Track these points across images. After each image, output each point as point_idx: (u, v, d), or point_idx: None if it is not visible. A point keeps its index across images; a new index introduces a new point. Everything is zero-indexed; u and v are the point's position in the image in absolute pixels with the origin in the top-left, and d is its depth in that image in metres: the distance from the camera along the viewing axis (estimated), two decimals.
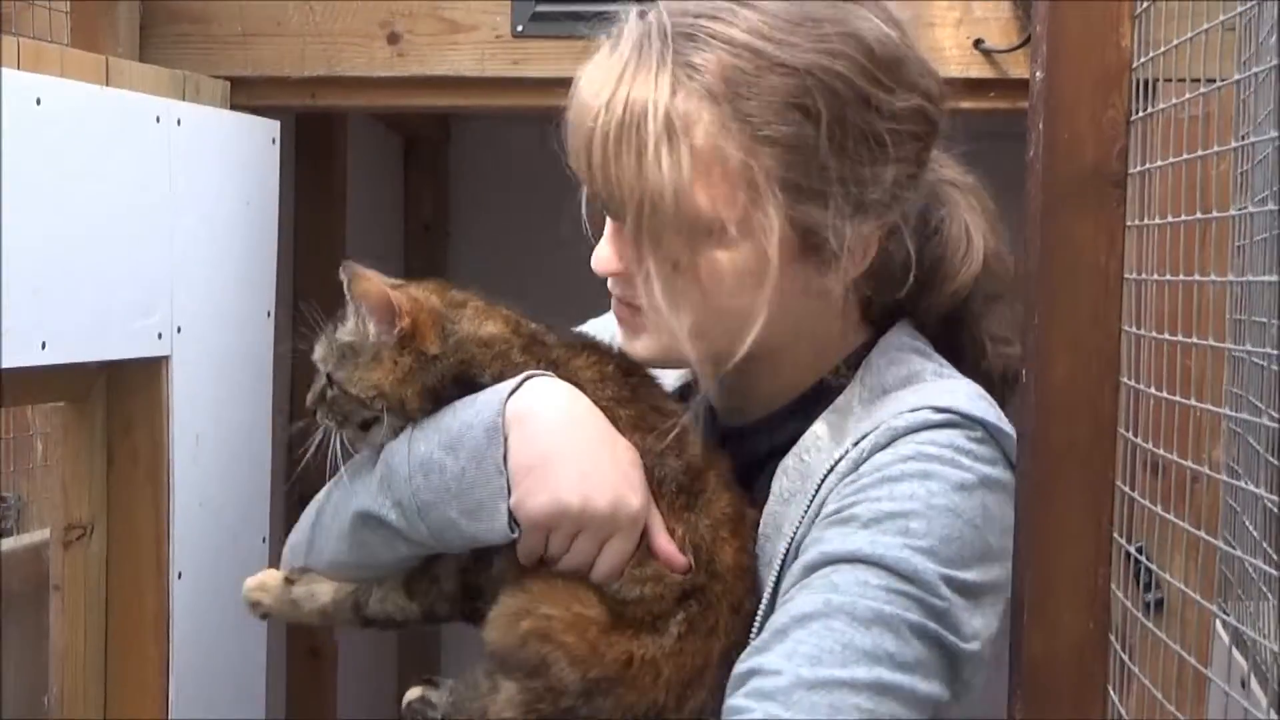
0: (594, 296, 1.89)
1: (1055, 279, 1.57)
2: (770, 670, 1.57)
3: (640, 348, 1.83)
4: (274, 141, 2.70)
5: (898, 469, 1.70)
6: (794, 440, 1.81)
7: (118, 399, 2.36)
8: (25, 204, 1.99)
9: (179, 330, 2.35)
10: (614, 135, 1.67)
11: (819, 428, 1.81)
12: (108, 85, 2.24)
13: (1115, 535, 1.57)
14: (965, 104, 2.46)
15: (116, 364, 2.31)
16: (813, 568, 1.66)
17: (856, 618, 1.60)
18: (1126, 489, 1.58)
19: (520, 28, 2.55)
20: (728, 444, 1.87)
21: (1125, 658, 1.55)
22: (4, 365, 1.98)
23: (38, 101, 2.05)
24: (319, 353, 1.85)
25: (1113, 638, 1.59)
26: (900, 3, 2.44)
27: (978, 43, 2.44)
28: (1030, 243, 1.61)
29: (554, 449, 1.71)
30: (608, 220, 1.79)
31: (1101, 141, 1.57)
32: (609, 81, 1.69)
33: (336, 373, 1.80)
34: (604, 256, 1.80)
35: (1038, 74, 1.61)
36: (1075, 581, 1.55)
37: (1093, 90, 1.57)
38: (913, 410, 1.74)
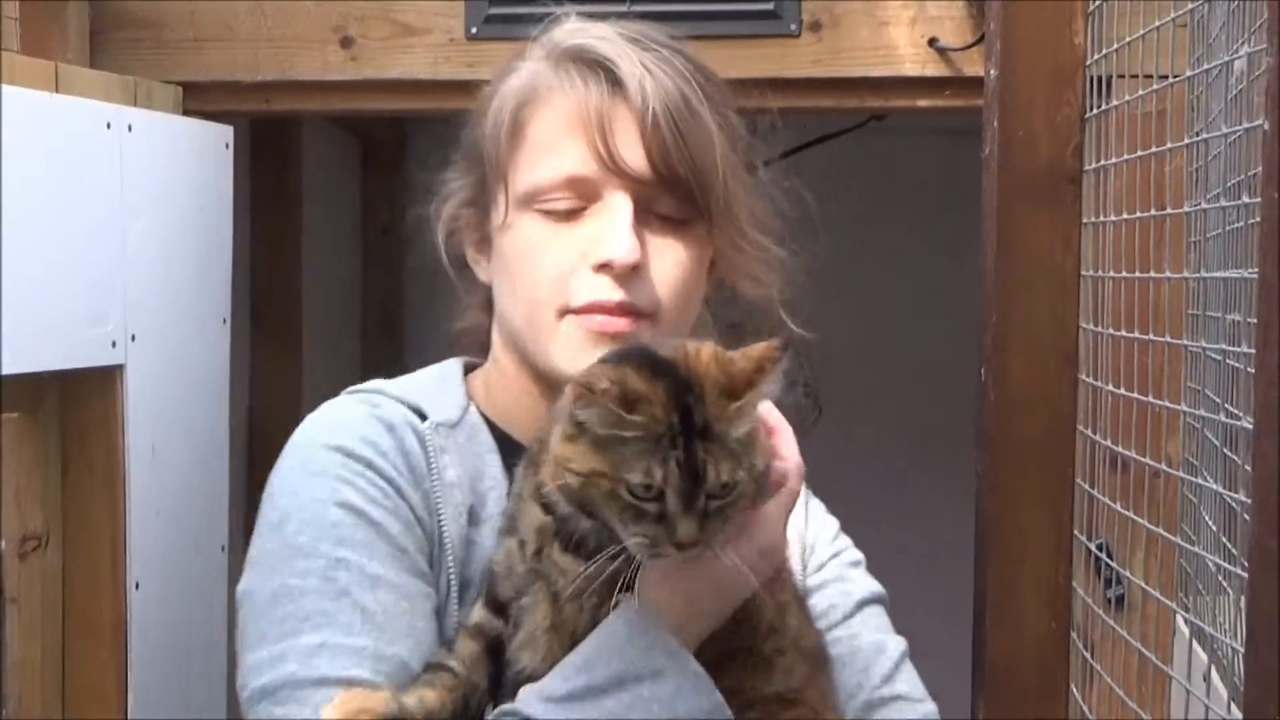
0: None
1: (1012, 276, 1.58)
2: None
3: None
4: (227, 147, 2.67)
5: None
6: None
7: (72, 409, 2.33)
8: None
9: (133, 339, 2.33)
10: (675, 111, 1.61)
11: None
12: (58, 92, 2.22)
13: (1076, 533, 1.57)
14: (921, 102, 2.46)
15: (70, 373, 2.29)
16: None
17: None
18: (1087, 486, 1.58)
19: (474, 30, 2.54)
20: None
21: (1087, 655, 1.55)
22: None
23: None
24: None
25: (1075, 635, 1.59)
26: (855, 3, 2.45)
27: (932, 41, 2.43)
28: (987, 241, 1.62)
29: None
30: (624, 207, 1.60)
31: (1056, 139, 1.58)
32: (637, 63, 1.63)
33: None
34: (632, 246, 1.60)
35: (992, 72, 1.61)
36: (1036, 580, 1.55)
37: (1047, 88, 1.58)
38: None
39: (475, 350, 1.82)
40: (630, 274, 1.60)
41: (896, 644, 1.71)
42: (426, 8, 2.59)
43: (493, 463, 1.65)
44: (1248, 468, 1.05)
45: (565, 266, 1.61)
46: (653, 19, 2.48)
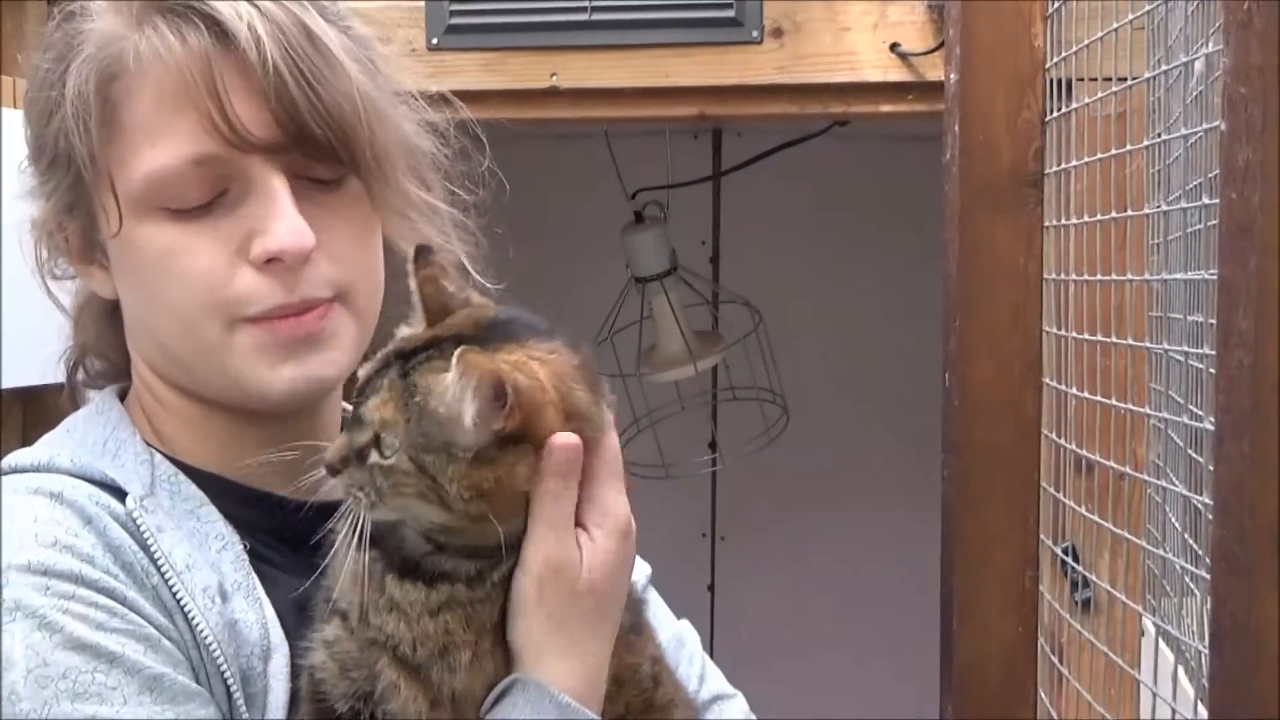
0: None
1: (974, 281, 1.58)
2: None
3: (333, 369, 1.35)
4: None
5: None
6: None
7: (33, 424, 2.32)
8: None
9: None
10: (298, 52, 1.28)
11: None
12: (17, 107, 2.22)
13: (1042, 536, 1.57)
14: (884, 108, 2.47)
15: (31, 390, 2.28)
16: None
17: None
18: (1053, 490, 1.58)
19: (435, 40, 2.54)
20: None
21: (1055, 659, 1.55)
22: None
23: None
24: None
25: (1042, 638, 1.59)
26: (817, 9, 2.45)
27: (894, 46, 2.43)
28: (949, 245, 1.62)
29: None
30: (275, 183, 1.29)
31: (1017, 143, 1.58)
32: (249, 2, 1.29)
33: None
34: (300, 229, 1.29)
35: (952, 76, 1.61)
36: (1003, 584, 1.55)
37: (1007, 92, 1.58)
38: None
39: (104, 374, 1.47)
40: (306, 261, 1.30)
41: (684, 629, 1.55)
42: (387, 19, 2.59)
43: (211, 516, 1.31)
44: (1212, 469, 1.05)
45: (217, 271, 1.29)
46: (612, 26, 2.51)
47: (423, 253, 1.30)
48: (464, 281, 1.35)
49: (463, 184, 1.49)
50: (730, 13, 2.46)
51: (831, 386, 3.89)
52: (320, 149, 1.28)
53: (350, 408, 1.37)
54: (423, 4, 2.52)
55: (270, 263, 1.28)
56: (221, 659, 1.23)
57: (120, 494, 1.26)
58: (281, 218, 1.27)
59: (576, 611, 1.26)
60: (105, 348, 1.45)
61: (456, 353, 1.17)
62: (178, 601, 1.23)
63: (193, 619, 1.23)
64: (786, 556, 3.95)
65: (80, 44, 1.29)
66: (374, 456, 1.20)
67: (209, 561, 1.27)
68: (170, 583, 1.23)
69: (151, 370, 1.38)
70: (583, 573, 1.26)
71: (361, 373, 1.27)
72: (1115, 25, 1.48)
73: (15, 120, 2.07)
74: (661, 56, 2.50)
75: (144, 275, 1.31)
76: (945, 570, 1.62)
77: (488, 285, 1.46)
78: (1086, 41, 1.53)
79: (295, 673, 1.27)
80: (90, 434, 1.34)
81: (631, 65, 2.51)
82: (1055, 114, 1.58)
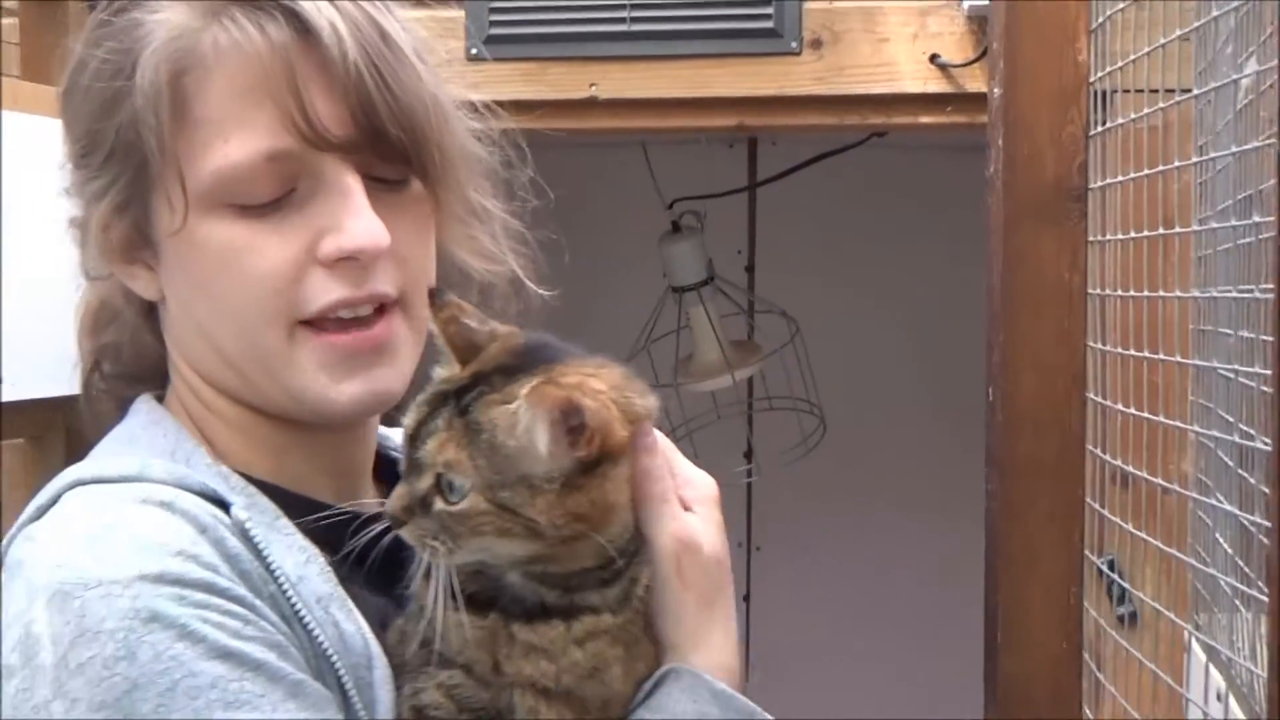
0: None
1: (1018, 296, 1.57)
2: None
3: (397, 381, 1.34)
4: None
5: None
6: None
7: (78, 435, 2.33)
8: None
9: None
10: (375, 52, 1.27)
11: None
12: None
13: (1086, 551, 1.56)
14: (923, 119, 2.47)
15: (75, 400, 2.30)
16: None
17: None
18: (1096, 505, 1.57)
19: (474, 51, 2.54)
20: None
21: (1100, 675, 1.54)
22: None
23: None
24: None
25: (1086, 654, 1.59)
26: (856, 20, 2.45)
27: (933, 58, 2.43)
28: (992, 259, 1.61)
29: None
30: (351, 181, 1.27)
31: (1061, 156, 1.58)
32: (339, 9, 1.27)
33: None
34: (378, 227, 1.27)
35: (995, 90, 1.61)
36: (1047, 600, 1.55)
37: (1051, 105, 1.58)
38: None
39: (124, 378, 1.43)
40: (387, 264, 1.29)
41: None
42: (426, 27, 2.59)
43: (288, 528, 1.27)
44: (1265, 489, 1.04)
45: (284, 270, 1.26)
46: (651, 37, 2.51)
47: (436, 296, 1.29)
48: (483, 314, 1.33)
49: (508, 193, 1.48)
50: (769, 24, 2.46)
51: (868, 397, 3.88)
52: (392, 149, 1.27)
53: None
54: (462, 14, 2.52)
55: (341, 262, 1.26)
56: (341, 668, 1.21)
57: (217, 503, 1.23)
58: (357, 216, 1.25)
59: (714, 583, 1.29)
60: (138, 351, 1.41)
61: (529, 386, 1.16)
62: (295, 611, 1.21)
63: (310, 628, 1.21)
64: (823, 567, 3.94)
65: (146, 34, 1.26)
66: (439, 503, 1.20)
67: (304, 575, 1.24)
68: (286, 592, 1.21)
69: (200, 376, 1.35)
70: (704, 544, 1.28)
71: (409, 420, 1.25)
72: (1163, 41, 1.47)
73: (19, 123, 2.08)
74: (701, 67, 2.50)
75: (204, 274, 1.28)
76: (989, 584, 1.62)
77: (542, 293, 1.47)
78: (1133, 57, 1.52)
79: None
80: (156, 444, 1.30)
81: (671, 76, 2.52)
82: (1100, 128, 1.57)
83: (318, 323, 1.28)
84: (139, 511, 1.18)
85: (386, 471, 1.44)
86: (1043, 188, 1.57)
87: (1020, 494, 1.56)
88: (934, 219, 3.79)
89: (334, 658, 1.21)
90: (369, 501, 1.30)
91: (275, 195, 1.25)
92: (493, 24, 2.54)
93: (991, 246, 1.61)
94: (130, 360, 1.42)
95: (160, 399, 1.38)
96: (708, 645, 1.28)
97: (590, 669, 1.23)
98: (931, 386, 3.83)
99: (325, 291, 1.26)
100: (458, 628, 1.21)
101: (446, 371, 1.26)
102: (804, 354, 3.52)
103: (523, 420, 1.17)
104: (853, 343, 3.89)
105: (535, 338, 1.29)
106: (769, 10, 2.46)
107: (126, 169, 1.27)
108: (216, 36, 1.24)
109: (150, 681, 1.10)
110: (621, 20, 2.50)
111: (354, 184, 1.26)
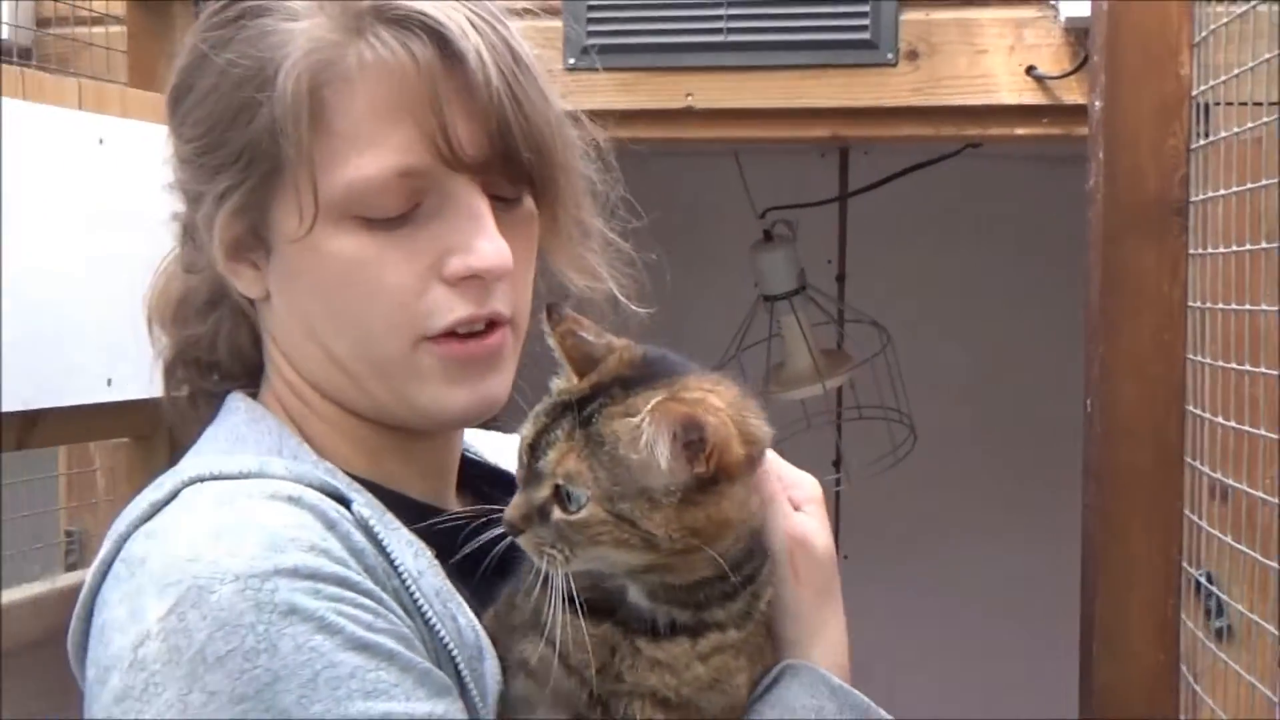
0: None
1: (1118, 308, 1.57)
2: None
3: (504, 389, 1.37)
4: None
5: None
6: None
7: (181, 434, 2.37)
8: (91, 241, 2.01)
9: None
10: (512, 77, 1.28)
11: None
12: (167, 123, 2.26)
13: (1184, 564, 1.56)
14: (1019, 130, 2.46)
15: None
16: None
17: None
18: (1195, 517, 1.57)
19: (572, 61, 2.57)
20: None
21: (1196, 686, 1.54)
22: (73, 403, 2.00)
23: (100, 141, 2.07)
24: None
25: (1183, 665, 1.59)
26: (952, 32, 2.45)
27: (1030, 69, 2.43)
28: (1092, 271, 1.62)
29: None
30: (479, 203, 1.30)
31: (1163, 170, 1.58)
32: (464, 19, 1.28)
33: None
34: (503, 249, 1.30)
35: (1097, 103, 1.61)
36: (1145, 611, 1.55)
37: (1153, 119, 1.58)
38: None
39: (217, 375, 1.45)
40: (503, 282, 1.31)
41: None
42: (524, 38, 2.62)
43: (395, 524, 1.30)
44: None
45: (410, 285, 1.29)
46: (748, 48, 2.53)
47: (554, 310, 1.31)
48: (599, 327, 1.35)
49: (609, 208, 1.50)
50: (866, 35, 2.47)
51: (959, 408, 3.87)
52: (521, 171, 1.29)
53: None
54: (560, 25, 2.55)
55: (465, 280, 1.28)
56: (459, 659, 1.24)
57: (337, 499, 1.25)
58: (486, 237, 1.28)
59: (827, 578, 1.34)
60: (232, 347, 1.43)
61: (652, 402, 1.18)
62: (416, 604, 1.23)
63: (430, 621, 1.23)
64: (910, 576, 3.94)
65: (285, 44, 1.27)
66: (558, 512, 1.22)
67: (419, 572, 1.27)
68: (408, 586, 1.23)
69: (302, 375, 1.37)
70: (816, 542, 1.33)
71: (527, 430, 1.27)
72: (1266, 55, 1.47)
73: (79, 121, 2.11)
74: (796, 78, 2.52)
75: (326, 282, 1.30)
76: (1085, 595, 1.62)
77: (639, 311, 1.49)
78: (1236, 71, 1.52)
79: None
80: (263, 442, 1.32)
81: (766, 86, 2.53)
82: (1201, 141, 1.58)
83: (444, 332, 1.30)
84: (269, 507, 1.20)
85: (470, 474, 1.49)
86: (1144, 201, 1.58)
87: (1118, 505, 1.57)
88: (1026, 230, 3.78)
89: (453, 650, 1.24)
90: (487, 507, 1.31)
91: (402, 210, 1.27)
92: (590, 34, 2.56)
93: (1092, 259, 1.61)
94: (224, 354, 1.44)
95: (253, 395, 1.40)
96: (824, 639, 1.32)
97: (711, 681, 1.26)
98: (1022, 398, 3.82)
99: (449, 309, 1.29)
100: (574, 630, 1.23)
101: (564, 383, 1.29)
102: (895, 363, 3.52)
103: (645, 434, 1.19)
104: (943, 353, 3.88)
105: (653, 351, 1.31)
106: (865, 22, 2.46)
107: (253, 173, 1.29)
108: (361, 52, 1.26)
109: (292, 673, 1.12)
110: (718, 31, 2.51)
111: (483, 204, 1.29)
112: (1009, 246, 3.86)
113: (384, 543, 1.24)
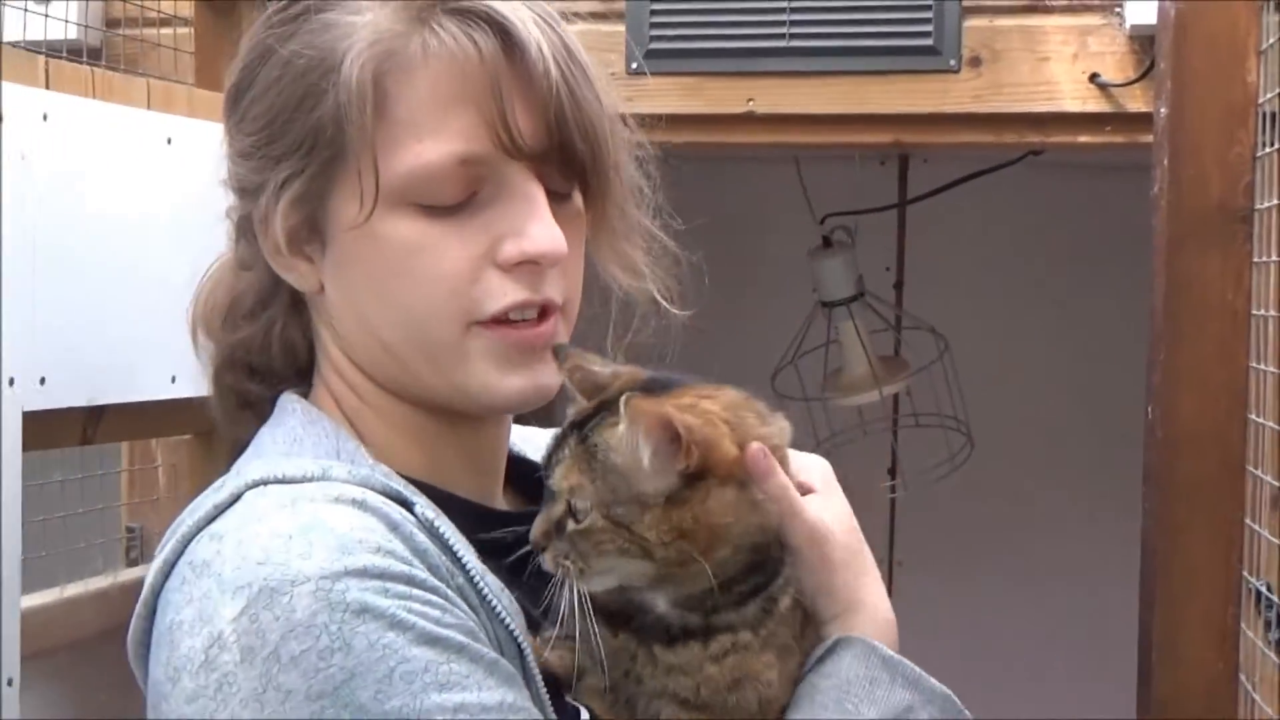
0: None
1: (1181, 315, 1.57)
2: None
3: (555, 377, 1.37)
4: None
5: None
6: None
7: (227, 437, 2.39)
8: (157, 240, 2.03)
9: None
10: (569, 71, 1.31)
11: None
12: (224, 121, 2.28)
13: (1245, 573, 1.56)
14: (1082, 138, 2.46)
15: None
16: None
17: None
18: (1256, 526, 1.57)
19: (634, 65, 2.57)
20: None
21: (1256, 696, 1.54)
22: (137, 399, 2.02)
23: (168, 141, 2.09)
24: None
25: (1242, 675, 1.58)
26: (1015, 39, 2.45)
27: (1094, 77, 2.43)
28: (1155, 278, 1.62)
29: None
30: (536, 192, 1.32)
31: (1228, 177, 1.57)
32: (526, 12, 1.32)
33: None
34: (559, 235, 1.32)
35: (1161, 110, 1.61)
36: (1205, 621, 1.54)
37: (1218, 126, 1.58)
38: None
39: (269, 377, 1.46)
40: (556, 270, 1.34)
41: None
42: (586, 42, 2.63)
43: (447, 527, 1.31)
44: None
45: (465, 271, 1.31)
46: (810, 53, 2.53)
47: (559, 350, 1.35)
48: (606, 359, 1.38)
49: (658, 208, 1.52)
50: (928, 41, 2.47)
51: (1016, 416, 3.85)
52: (576, 163, 1.33)
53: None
54: (623, 29, 2.56)
55: (519, 266, 1.31)
56: (528, 652, 1.27)
57: (401, 500, 1.28)
58: (542, 223, 1.30)
59: (853, 552, 1.35)
60: (284, 346, 1.45)
61: (623, 398, 1.22)
62: (484, 599, 1.26)
63: (500, 614, 1.26)
64: (966, 584, 3.92)
65: (348, 34, 1.30)
66: (571, 525, 1.26)
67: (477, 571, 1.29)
68: (476, 582, 1.26)
69: (359, 368, 1.39)
70: (835, 526, 1.33)
71: (545, 452, 1.32)
72: None
73: (148, 121, 2.13)
74: (858, 83, 2.52)
75: (382, 268, 1.32)
76: (1144, 603, 1.62)
77: (679, 313, 1.51)
78: None
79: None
80: (321, 444, 1.34)
81: (828, 92, 2.53)
82: (1267, 149, 1.57)
83: (497, 316, 1.32)
84: (334, 510, 1.22)
85: (516, 472, 1.51)
86: (1208, 209, 1.57)
87: (1179, 513, 1.56)
88: (1085, 239, 3.76)
89: (521, 641, 1.26)
90: (534, 509, 1.34)
91: (459, 198, 1.30)
92: (653, 39, 2.57)
93: (1155, 266, 1.61)
94: (277, 353, 1.45)
95: (305, 395, 1.42)
96: (864, 606, 1.34)
97: (731, 681, 1.27)
98: (1081, 406, 3.80)
99: (503, 294, 1.31)
100: (595, 639, 1.27)
101: (575, 409, 1.33)
102: (952, 371, 3.51)
103: (626, 436, 1.22)
104: (1002, 361, 3.86)
105: (661, 373, 1.35)
106: (928, 28, 2.46)
107: (314, 161, 1.32)
108: (426, 41, 1.29)
109: (368, 670, 1.14)
110: (780, 36, 2.52)
111: (538, 192, 1.31)
112: (1068, 255, 3.84)
113: (450, 542, 1.27)
